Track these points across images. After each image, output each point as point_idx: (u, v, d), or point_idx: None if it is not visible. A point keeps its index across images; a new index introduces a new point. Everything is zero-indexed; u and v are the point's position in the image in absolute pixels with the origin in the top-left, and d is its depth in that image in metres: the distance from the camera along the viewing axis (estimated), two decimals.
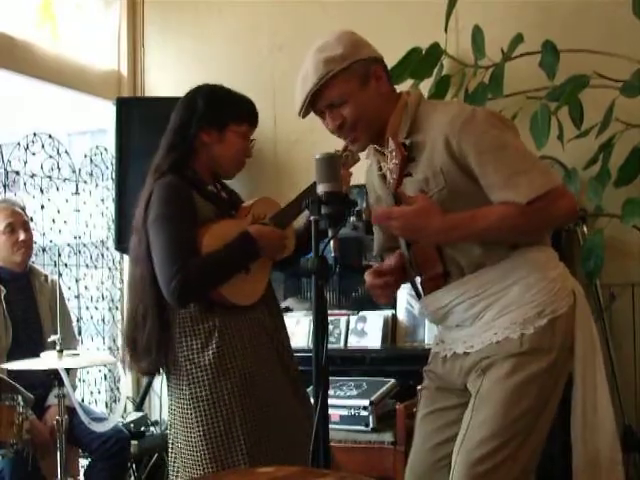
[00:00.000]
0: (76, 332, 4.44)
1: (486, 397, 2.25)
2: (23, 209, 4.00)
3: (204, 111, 2.68)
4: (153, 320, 2.61)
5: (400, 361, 3.81)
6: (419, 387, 2.60)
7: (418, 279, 2.48)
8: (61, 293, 3.85)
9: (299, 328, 4.05)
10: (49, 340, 3.43)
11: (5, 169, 4.40)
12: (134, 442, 4.19)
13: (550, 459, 2.55)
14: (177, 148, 2.68)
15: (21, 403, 3.23)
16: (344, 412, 3.53)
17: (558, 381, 2.30)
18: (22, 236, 3.87)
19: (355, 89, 2.32)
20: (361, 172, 2.65)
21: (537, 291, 2.27)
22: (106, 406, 5.08)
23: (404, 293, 3.99)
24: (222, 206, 2.71)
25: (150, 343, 2.62)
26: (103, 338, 5.12)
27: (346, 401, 3.55)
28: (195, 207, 2.59)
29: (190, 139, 2.68)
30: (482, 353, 2.29)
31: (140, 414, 4.57)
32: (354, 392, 3.61)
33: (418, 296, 2.50)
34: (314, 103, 2.35)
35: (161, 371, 2.71)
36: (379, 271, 2.46)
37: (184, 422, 2.61)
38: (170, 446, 2.70)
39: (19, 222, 3.89)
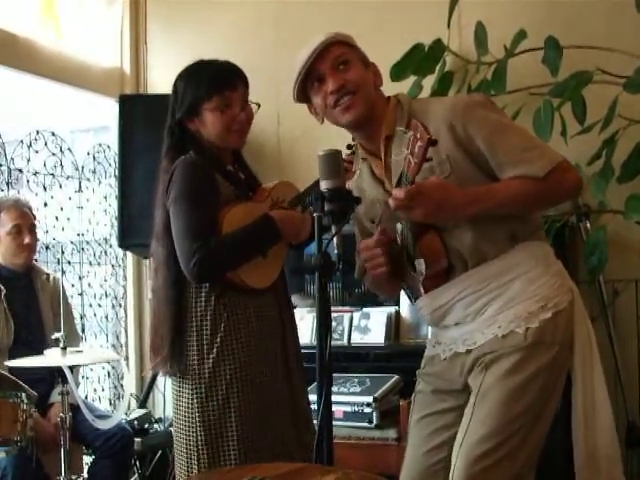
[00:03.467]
0: (79, 330, 4.45)
1: (488, 394, 2.25)
2: (31, 210, 3.98)
3: (176, 104, 2.67)
4: (171, 305, 2.61)
5: (403, 357, 3.80)
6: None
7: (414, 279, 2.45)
8: (64, 291, 3.85)
9: (302, 324, 4.01)
10: (52, 338, 3.43)
11: (8, 167, 4.41)
12: (138, 439, 4.18)
13: (553, 456, 2.54)
14: (172, 148, 2.68)
15: (25, 400, 3.22)
16: (347, 408, 3.53)
17: (558, 379, 2.30)
18: (27, 239, 3.86)
19: (360, 63, 2.39)
20: None
21: (539, 285, 2.28)
22: (110, 403, 5.09)
23: None
24: (240, 187, 2.69)
25: (170, 330, 2.61)
26: (106, 335, 5.13)
27: (349, 397, 3.55)
28: (218, 186, 2.59)
29: (179, 134, 2.66)
30: (485, 348, 2.29)
31: (144, 411, 4.57)
32: (357, 389, 3.61)
33: (414, 299, 2.47)
34: (314, 70, 2.35)
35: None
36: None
37: (182, 404, 2.62)
38: (174, 434, 2.70)
39: (26, 224, 3.88)
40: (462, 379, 2.37)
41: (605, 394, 2.31)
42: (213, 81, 2.63)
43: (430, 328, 2.58)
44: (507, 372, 2.24)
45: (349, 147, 2.56)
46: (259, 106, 2.72)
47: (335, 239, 2.16)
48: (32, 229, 3.93)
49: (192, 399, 2.59)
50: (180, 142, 2.66)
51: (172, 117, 2.69)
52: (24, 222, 3.88)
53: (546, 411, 2.28)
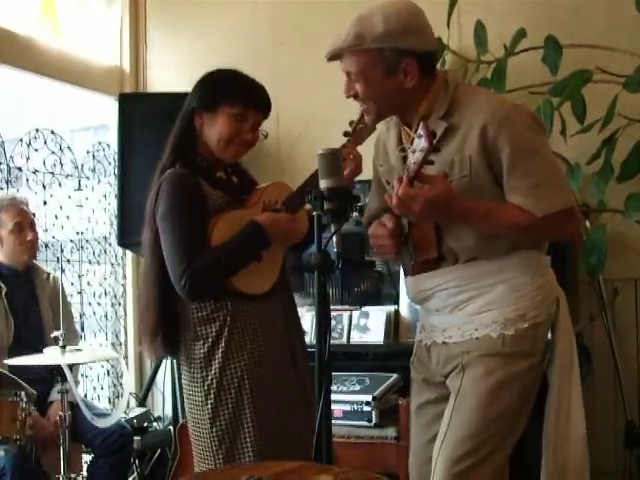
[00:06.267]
0: (78, 328, 4.44)
1: (466, 396, 2.28)
2: (29, 207, 3.99)
3: (197, 94, 2.65)
4: (154, 310, 2.61)
5: (403, 356, 3.74)
6: None
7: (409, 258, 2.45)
8: (63, 290, 3.85)
9: (302, 323, 4.03)
10: (51, 336, 3.44)
11: (8, 165, 4.41)
12: (137, 438, 4.19)
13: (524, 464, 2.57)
14: (177, 138, 2.65)
15: (24, 399, 3.23)
16: (347, 407, 3.53)
17: (536, 383, 2.34)
18: (29, 235, 3.88)
19: (375, 74, 2.29)
20: (367, 169, 2.65)
21: (521, 295, 2.29)
22: (109, 402, 5.09)
23: None
24: (232, 193, 2.66)
25: (155, 329, 2.61)
26: (106, 334, 5.12)
27: (349, 396, 3.55)
28: (204, 197, 2.56)
29: (187, 125, 2.64)
30: (461, 347, 2.31)
31: (143, 410, 4.58)
32: (357, 387, 3.61)
33: (405, 274, 2.50)
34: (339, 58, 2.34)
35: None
36: (384, 223, 2.41)
37: (194, 406, 2.61)
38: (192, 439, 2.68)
39: (27, 221, 3.90)
40: (439, 371, 2.40)
41: (581, 406, 2.34)
42: (245, 92, 2.62)
43: (419, 309, 2.60)
44: (483, 375, 2.26)
45: (346, 134, 2.55)
46: (266, 137, 2.71)
47: (335, 238, 2.16)
48: (32, 225, 3.95)
49: (202, 407, 2.57)
50: (187, 133, 2.64)
51: (188, 106, 2.66)
52: (24, 219, 3.89)
53: (524, 413, 2.31)
